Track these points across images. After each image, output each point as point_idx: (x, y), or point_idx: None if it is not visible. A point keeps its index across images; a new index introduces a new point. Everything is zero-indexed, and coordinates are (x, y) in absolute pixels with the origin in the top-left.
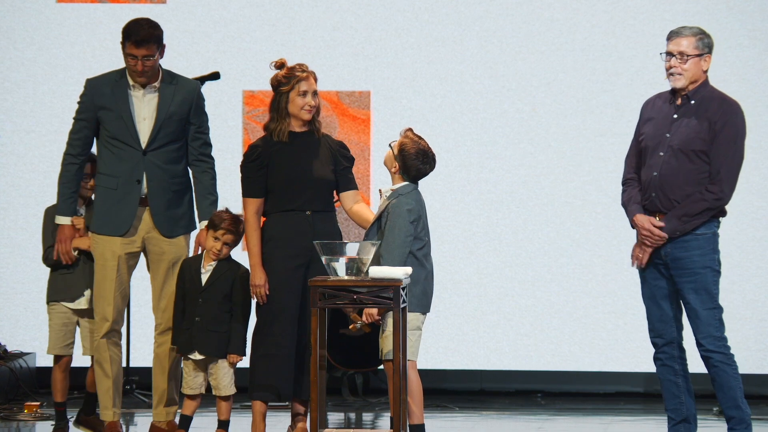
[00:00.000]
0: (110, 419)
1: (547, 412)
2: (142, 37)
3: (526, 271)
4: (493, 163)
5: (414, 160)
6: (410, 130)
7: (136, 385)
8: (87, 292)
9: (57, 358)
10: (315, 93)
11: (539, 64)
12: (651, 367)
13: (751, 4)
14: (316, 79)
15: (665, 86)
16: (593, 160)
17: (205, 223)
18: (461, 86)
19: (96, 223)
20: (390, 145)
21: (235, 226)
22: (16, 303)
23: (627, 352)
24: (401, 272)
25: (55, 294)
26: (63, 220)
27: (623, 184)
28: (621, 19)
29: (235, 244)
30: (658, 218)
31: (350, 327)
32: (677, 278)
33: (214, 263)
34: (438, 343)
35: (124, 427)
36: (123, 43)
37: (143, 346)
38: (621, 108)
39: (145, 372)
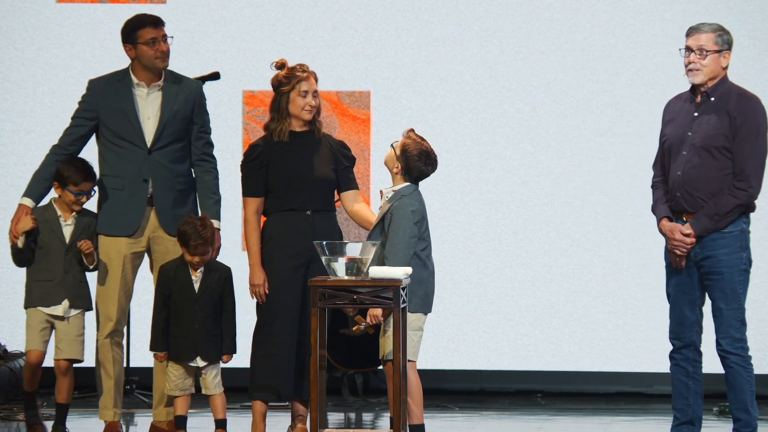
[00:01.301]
0: (111, 419)
1: (547, 412)
2: (155, 18)
3: (526, 271)
4: (493, 163)
5: (416, 162)
6: (412, 130)
7: (136, 385)
8: (65, 302)
9: (30, 354)
10: (315, 93)
11: (539, 64)
12: (651, 367)
13: (751, 4)
14: (316, 80)
15: (666, 85)
16: (593, 160)
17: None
18: (461, 86)
19: (103, 224)
20: (392, 145)
21: (202, 238)
22: (16, 303)
23: (627, 352)
24: (401, 272)
25: (32, 301)
26: (25, 201)
27: (651, 187)
28: (621, 19)
29: (209, 247)
30: (685, 219)
31: (354, 329)
32: (705, 275)
33: (201, 269)
34: (438, 343)
35: (124, 427)
36: (134, 36)
37: (143, 346)
38: (621, 108)
39: (145, 372)
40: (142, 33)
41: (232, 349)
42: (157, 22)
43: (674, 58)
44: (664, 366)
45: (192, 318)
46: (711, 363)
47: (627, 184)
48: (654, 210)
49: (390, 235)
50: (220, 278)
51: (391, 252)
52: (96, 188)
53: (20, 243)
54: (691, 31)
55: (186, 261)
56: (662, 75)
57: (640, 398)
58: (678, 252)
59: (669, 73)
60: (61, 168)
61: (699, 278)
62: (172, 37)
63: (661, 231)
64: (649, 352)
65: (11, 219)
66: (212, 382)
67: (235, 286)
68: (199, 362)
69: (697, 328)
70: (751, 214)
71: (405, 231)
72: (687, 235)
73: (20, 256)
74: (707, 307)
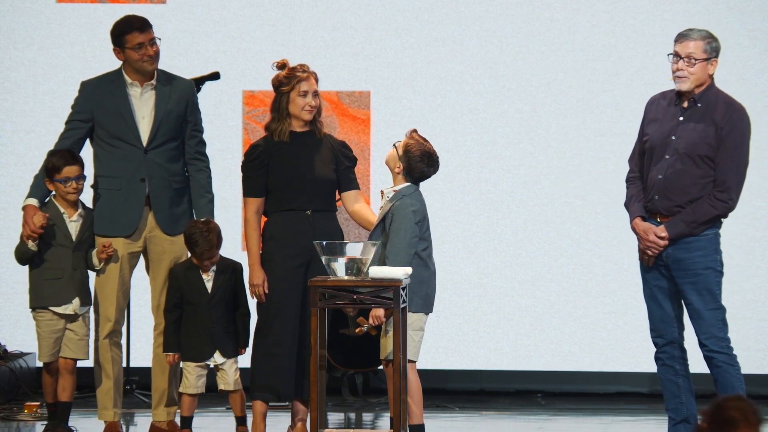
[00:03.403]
0: (111, 419)
1: (547, 412)
2: (142, 22)
3: (526, 271)
4: (493, 163)
5: (418, 163)
6: (416, 131)
7: (136, 385)
8: (76, 300)
9: (47, 364)
10: (316, 93)
11: (539, 64)
12: (651, 367)
13: (751, 4)
14: (317, 80)
15: (666, 86)
16: (593, 160)
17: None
18: (461, 86)
19: (100, 225)
20: (394, 144)
21: (209, 243)
22: (16, 303)
23: (627, 352)
24: (401, 272)
25: (42, 300)
26: (30, 201)
27: (626, 181)
28: (621, 19)
29: (216, 250)
30: (659, 219)
31: (356, 330)
32: (678, 279)
33: (213, 268)
34: (438, 343)
35: (124, 427)
36: (122, 40)
37: (143, 346)
38: (621, 108)
39: (145, 372)
40: (129, 38)
41: (245, 343)
42: (143, 27)
43: None
44: None
45: (208, 317)
46: (704, 365)
47: None
48: (627, 206)
49: (391, 235)
50: (231, 276)
51: (392, 252)
52: (85, 174)
53: (33, 246)
54: (681, 38)
55: (195, 263)
56: (662, 75)
57: (640, 398)
58: (649, 252)
59: (669, 73)
60: (45, 162)
61: (672, 278)
62: (160, 39)
63: (633, 229)
64: (649, 352)
65: (22, 222)
66: (232, 378)
67: None
68: (218, 358)
69: (678, 324)
70: (752, 215)
71: (406, 231)
72: (662, 238)
73: (27, 255)
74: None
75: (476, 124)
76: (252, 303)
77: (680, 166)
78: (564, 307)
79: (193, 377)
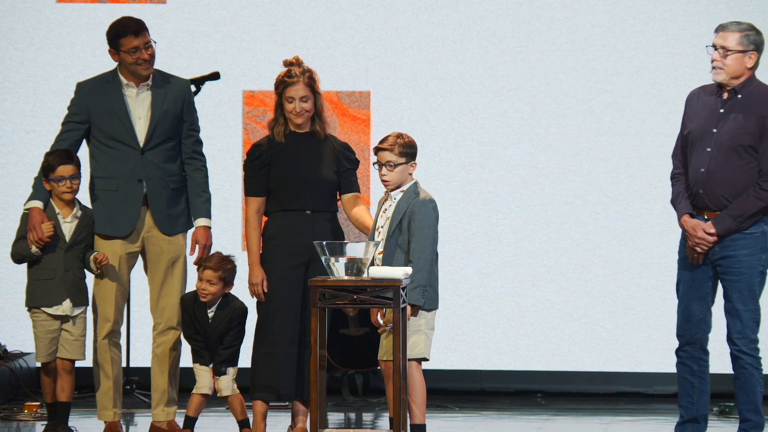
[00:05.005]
0: (110, 419)
1: (547, 412)
2: (137, 25)
3: (526, 271)
4: (493, 163)
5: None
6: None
7: (136, 385)
8: (66, 302)
9: (45, 364)
10: (304, 98)
11: (539, 64)
12: (651, 367)
13: (751, 4)
14: (311, 83)
15: (665, 85)
16: (593, 160)
17: (201, 220)
18: (461, 86)
19: (98, 225)
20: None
21: (210, 265)
22: (16, 303)
23: (627, 352)
24: (401, 272)
25: (35, 300)
26: (35, 203)
27: (671, 178)
28: (621, 19)
29: (220, 282)
30: (706, 217)
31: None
32: (722, 275)
33: (215, 305)
34: (438, 343)
35: (124, 427)
36: (117, 43)
37: (143, 346)
38: (621, 108)
39: (145, 372)
40: (123, 41)
41: (218, 371)
42: (138, 30)
43: (674, 57)
44: (664, 366)
45: (210, 340)
46: (712, 363)
47: (627, 184)
48: (674, 203)
49: (416, 234)
50: (227, 316)
51: (417, 250)
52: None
53: (36, 251)
54: (718, 29)
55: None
56: (662, 75)
57: (640, 398)
58: (698, 249)
59: (669, 73)
60: (42, 162)
61: (713, 276)
62: (156, 41)
63: (682, 226)
64: (649, 352)
65: (29, 226)
66: (222, 383)
67: (236, 287)
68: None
69: (703, 326)
70: None
71: (430, 228)
72: (710, 234)
73: (25, 258)
74: (718, 307)
75: (476, 124)
76: (252, 304)
77: (723, 158)
78: (564, 307)
79: (203, 379)
